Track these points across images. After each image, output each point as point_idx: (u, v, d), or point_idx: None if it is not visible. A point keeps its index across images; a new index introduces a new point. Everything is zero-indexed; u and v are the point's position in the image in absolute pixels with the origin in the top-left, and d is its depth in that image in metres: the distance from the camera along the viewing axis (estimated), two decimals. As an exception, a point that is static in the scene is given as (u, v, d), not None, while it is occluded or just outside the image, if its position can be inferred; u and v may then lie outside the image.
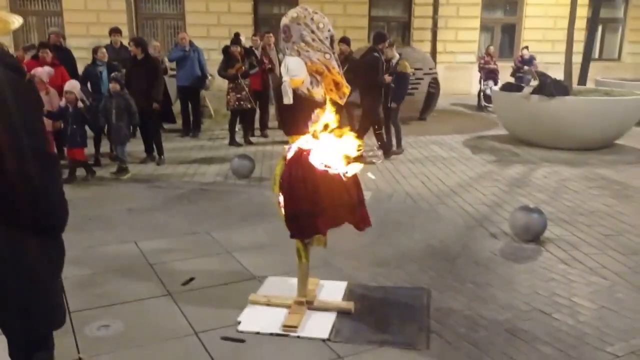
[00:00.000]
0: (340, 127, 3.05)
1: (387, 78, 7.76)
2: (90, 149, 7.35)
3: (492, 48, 13.65)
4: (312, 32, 3.24)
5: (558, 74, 9.64)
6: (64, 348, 2.48)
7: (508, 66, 13.85)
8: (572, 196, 6.21)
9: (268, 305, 3.54)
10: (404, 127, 8.83)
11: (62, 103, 6.72)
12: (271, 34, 9.96)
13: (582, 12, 12.85)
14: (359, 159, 2.91)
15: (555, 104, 8.51)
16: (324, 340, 3.18)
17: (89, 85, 7.87)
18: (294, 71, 3.16)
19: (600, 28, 16.30)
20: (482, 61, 13.36)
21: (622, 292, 3.83)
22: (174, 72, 10.03)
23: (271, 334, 3.23)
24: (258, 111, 9.59)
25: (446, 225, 5.22)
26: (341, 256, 4.29)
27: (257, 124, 9.71)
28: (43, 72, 6.97)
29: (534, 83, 9.66)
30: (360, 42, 13.33)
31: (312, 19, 3.25)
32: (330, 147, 2.94)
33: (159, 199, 6.04)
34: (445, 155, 8.31)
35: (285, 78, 3.19)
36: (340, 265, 4.19)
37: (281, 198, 3.36)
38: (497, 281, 3.99)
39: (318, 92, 3.27)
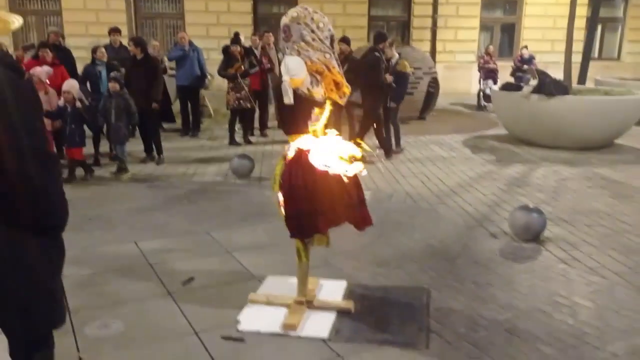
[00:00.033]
0: (328, 126, 3.05)
1: (389, 78, 7.75)
2: (89, 149, 7.36)
3: (491, 47, 13.64)
4: (312, 31, 3.23)
5: (557, 74, 9.63)
6: (64, 348, 2.47)
7: (507, 66, 13.85)
8: (571, 196, 6.21)
9: (268, 304, 3.54)
10: (403, 126, 8.83)
11: (61, 102, 6.72)
12: (270, 34, 9.96)
13: (582, 11, 12.85)
14: (359, 159, 2.91)
15: (554, 103, 8.51)
16: (323, 339, 3.18)
17: (88, 84, 7.87)
18: (294, 71, 3.16)
19: (599, 27, 16.30)
20: (482, 61, 13.35)
21: (622, 292, 3.83)
22: (174, 72, 10.02)
23: (271, 334, 3.23)
24: (257, 111, 9.59)
25: (446, 225, 5.22)
26: (341, 256, 4.29)
27: (256, 124, 9.72)
28: (42, 71, 6.96)
29: (534, 82, 9.66)
30: (360, 41, 13.36)
31: (312, 18, 3.24)
32: (330, 147, 2.94)
33: (158, 198, 6.04)
34: (445, 155, 8.31)
35: (285, 78, 3.18)
36: (340, 265, 4.19)
37: (281, 197, 3.36)
38: (497, 281, 3.99)
39: (318, 92, 3.27)
